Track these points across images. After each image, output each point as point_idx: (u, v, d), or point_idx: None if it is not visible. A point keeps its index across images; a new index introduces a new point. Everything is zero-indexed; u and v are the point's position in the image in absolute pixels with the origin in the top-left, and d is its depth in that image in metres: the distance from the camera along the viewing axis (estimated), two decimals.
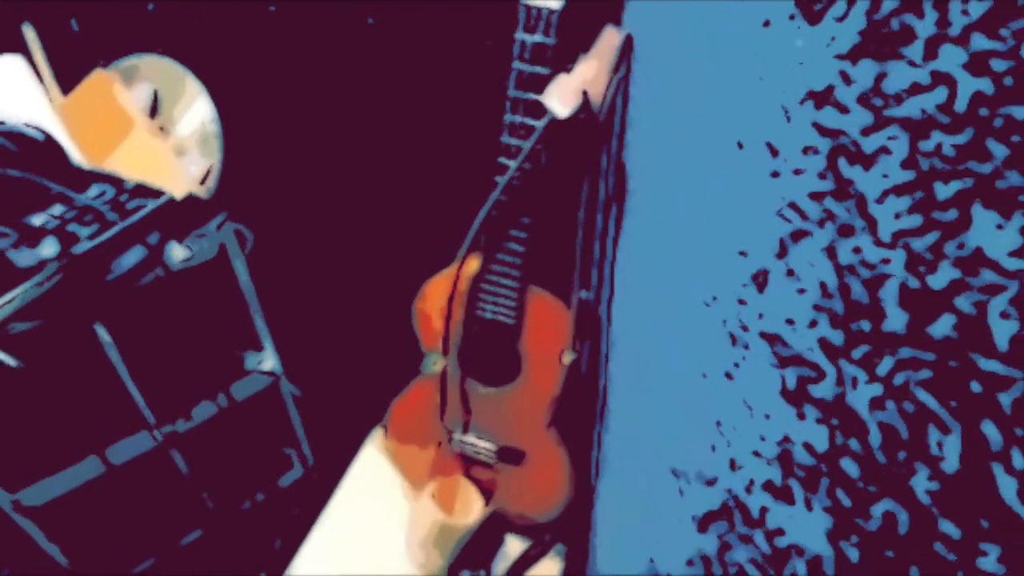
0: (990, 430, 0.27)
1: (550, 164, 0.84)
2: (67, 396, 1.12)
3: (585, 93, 0.70)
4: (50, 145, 1.02)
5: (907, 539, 0.31)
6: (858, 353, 0.36)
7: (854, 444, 0.36)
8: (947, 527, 0.29)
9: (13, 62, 1.31)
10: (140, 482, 1.30)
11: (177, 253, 1.12)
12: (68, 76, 1.39)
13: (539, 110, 0.78)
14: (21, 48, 1.35)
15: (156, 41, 1.33)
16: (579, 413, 1.03)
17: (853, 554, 0.36)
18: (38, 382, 1.06)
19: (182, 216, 1.14)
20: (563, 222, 0.88)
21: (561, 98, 0.67)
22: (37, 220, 0.98)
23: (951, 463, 0.29)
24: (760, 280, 0.50)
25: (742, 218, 0.53)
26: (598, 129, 0.75)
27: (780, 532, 0.46)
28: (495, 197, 0.86)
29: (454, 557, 1.03)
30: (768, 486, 0.49)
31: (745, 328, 0.52)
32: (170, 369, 1.23)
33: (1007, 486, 0.26)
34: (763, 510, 0.49)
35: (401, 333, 1.18)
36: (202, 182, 1.34)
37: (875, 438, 0.34)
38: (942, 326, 0.29)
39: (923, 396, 0.31)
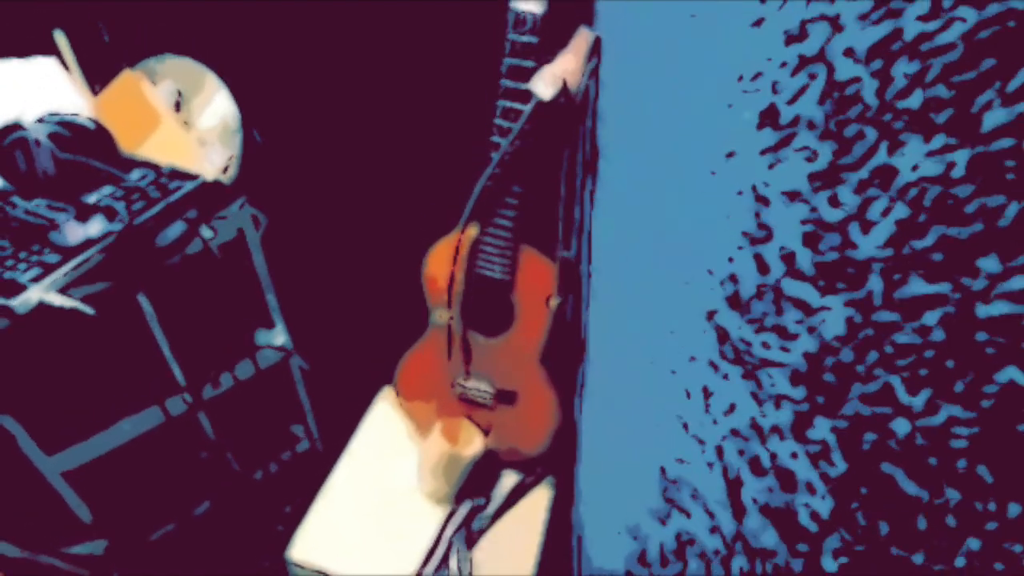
0: None
1: (536, 142, 1.00)
2: (107, 360, 1.26)
3: (564, 81, 0.87)
4: (100, 132, 1.16)
5: None
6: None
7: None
8: None
9: (47, 64, 1.45)
10: (163, 450, 1.43)
11: (204, 233, 1.27)
12: (96, 77, 1.53)
13: (526, 96, 0.95)
14: (52, 51, 1.49)
15: (178, 42, 1.48)
16: (564, 359, 1.19)
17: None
18: (83, 345, 1.19)
19: (210, 198, 1.29)
20: (548, 190, 1.05)
21: (545, 83, 0.84)
22: (91, 198, 1.12)
23: None
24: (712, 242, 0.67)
25: (699, 184, 0.69)
26: (575, 110, 0.92)
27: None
28: (490, 171, 1.02)
29: (460, 485, 1.19)
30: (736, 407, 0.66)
31: (711, 271, 0.68)
32: (193, 343, 1.36)
33: None
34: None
35: (405, 304, 1.33)
36: (224, 171, 1.48)
37: None
38: None
39: None
